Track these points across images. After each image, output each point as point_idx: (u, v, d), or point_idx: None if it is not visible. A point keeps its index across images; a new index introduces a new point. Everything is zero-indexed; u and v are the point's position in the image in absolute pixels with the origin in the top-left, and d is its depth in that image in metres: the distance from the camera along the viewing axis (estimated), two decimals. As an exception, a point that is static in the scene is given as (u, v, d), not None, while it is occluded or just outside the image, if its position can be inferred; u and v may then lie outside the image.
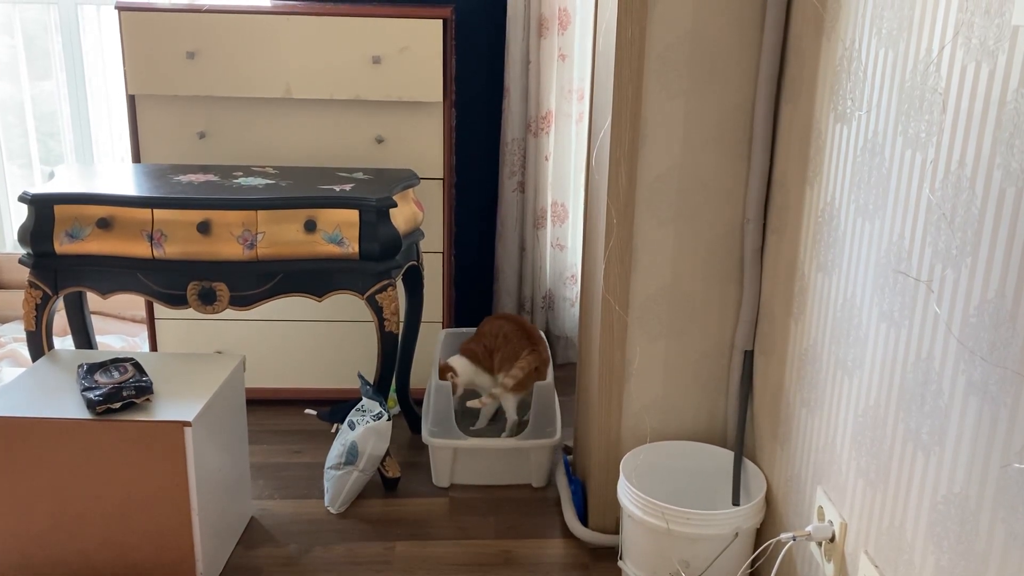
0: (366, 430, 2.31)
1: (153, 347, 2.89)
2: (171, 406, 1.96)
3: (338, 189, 2.33)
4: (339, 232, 2.26)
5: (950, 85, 1.23)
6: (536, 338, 2.59)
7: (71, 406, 1.95)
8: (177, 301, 2.29)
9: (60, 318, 3.11)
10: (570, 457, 2.56)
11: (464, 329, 2.86)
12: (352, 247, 2.27)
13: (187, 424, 1.90)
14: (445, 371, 2.54)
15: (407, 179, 2.48)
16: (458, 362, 2.58)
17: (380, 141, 2.75)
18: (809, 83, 1.75)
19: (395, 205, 2.30)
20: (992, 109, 1.13)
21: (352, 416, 2.38)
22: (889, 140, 1.42)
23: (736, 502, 2.02)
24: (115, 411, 1.92)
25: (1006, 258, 1.10)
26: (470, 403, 2.50)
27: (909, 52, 1.35)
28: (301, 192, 2.30)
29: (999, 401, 1.11)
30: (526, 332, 2.59)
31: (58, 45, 3.53)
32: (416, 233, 2.50)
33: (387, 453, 2.41)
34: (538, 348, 2.55)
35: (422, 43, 2.64)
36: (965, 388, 1.19)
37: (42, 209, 2.23)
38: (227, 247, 2.24)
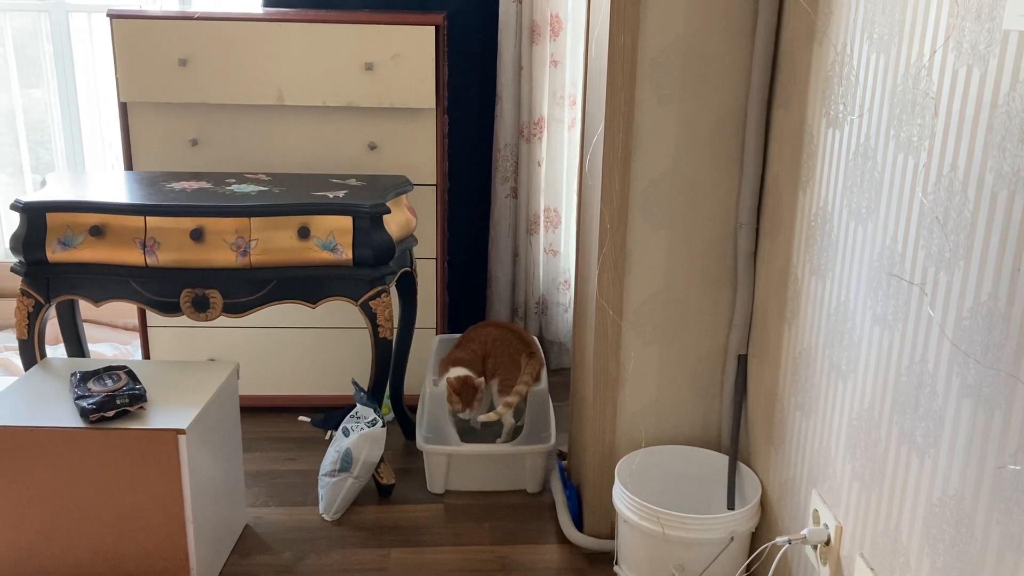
0: (360, 437, 2.30)
1: (146, 355, 2.88)
2: (165, 414, 1.95)
3: (331, 195, 2.33)
4: (333, 238, 2.26)
5: (942, 89, 1.24)
6: (529, 340, 2.59)
7: (64, 415, 1.94)
8: (170, 308, 2.29)
9: (52, 326, 3.10)
10: (565, 462, 2.56)
11: (458, 335, 2.86)
12: (346, 253, 2.27)
13: (181, 432, 1.89)
14: (465, 386, 2.48)
15: (400, 185, 2.48)
16: (465, 372, 2.54)
17: (373, 148, 2.75)
18: (801, 88, 1.76)
19: (388, 211, 2.30)
20: (984, 113, 1.14)
21: (346, 423, 2.38)
22: (881, 144, 1.43)
23: (731, 506, 2.02)
24: (109, 419, 1.91)
25: (999, 261, 1.11)
26: (483, 416, 2.48)
27: (901, 57, 1.36)
28: (294, 199, 2.29)
29: (993, 403, 1.12)
30: (518, 335, 2.59)
31: (49, 53, 3.52)
32: (409, 239, 2.51)
33: (381, 460, 2.40)
34: (535, 351, 2.55)
35: (414, 50, 2.64)
36: (959, 391, 1.20)
37: (34, 217, 2.22)
38: (220, 254, 2.24)
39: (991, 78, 1.12)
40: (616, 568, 2.05)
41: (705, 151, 1.99)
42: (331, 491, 2.34)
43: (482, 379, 2.51)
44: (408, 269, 2.58)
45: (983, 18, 1.14)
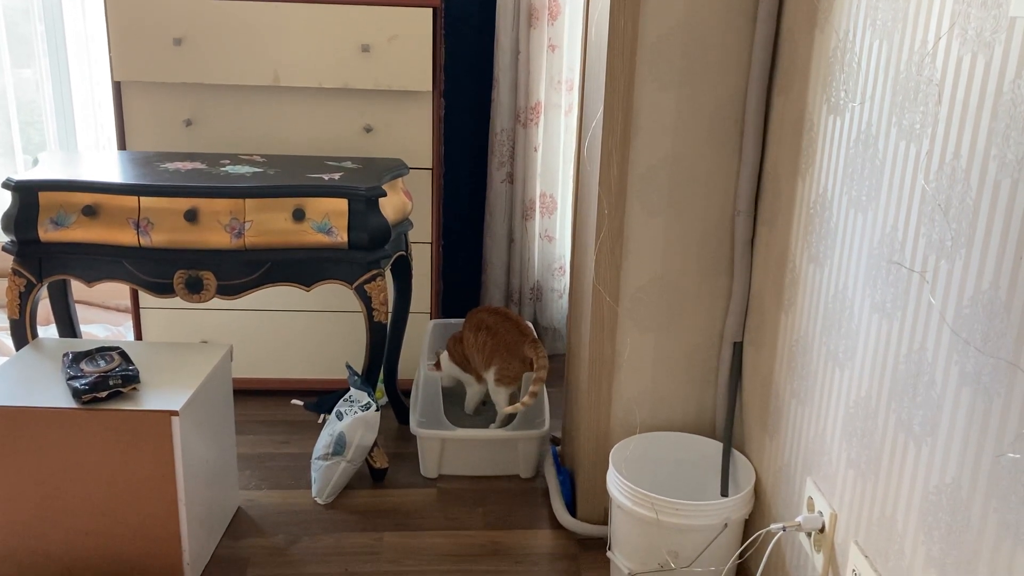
0: (354, 420, 2.30)
1: (138, 336, 2.87)
2: (158, 395, 1.94)
3: (327, 178, 2.31)
4: (328, 221, 2.25)
5: (945, 76, 1.23)
6: (527, 328, 2.58)
7: (57, 395, 1.93)
8: (164, 290, 2.27)
9: (43, 307, 3.08)
10: (558, 448, 2.56)
11: (452, 320, 2.85)
12: (341, 236, 2.25)
13: (174, 413, 1.88)
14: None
15: (396, 169, 2.46)
16: (443, 356, 2.59)
17: (369, 130, 2.73)
18: (802, 75, 1.75)
19: (384, 194, 2.29)
20: (988, 100, 1.13)
21: (340, 406, 2.37)
22: (883, 131, 1.42)
23: (725, 493, 2.02)
24: (101, 400, 1.90)
25: (1001, 249, 1.10)
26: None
27: (904, 43, 1.35)
28: (289, 181, 2.28)
29: (992, 392, 1.12)
30: (515, 324, 2.58)
31: (41, 32, 3.48)
32: (405, 223, 2.49)
33: (375, 444, 2.40)
34: (535, 339, 2.54)
35: (412, 32, 2.62)
36: (958, 379, 1.19)
37: (26, 196, 2.20)
38: (214, 235, 2.22)
39: (996, 65, 1.11)
40: (609, 553, 2.05)
41: (704, 137, 1.98)
42: (324, 475, 2.34)
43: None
44: (403, 253, 2.57)
45: (989, 5, 1.13)
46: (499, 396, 2.54)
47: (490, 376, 2.53)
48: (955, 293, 1.20)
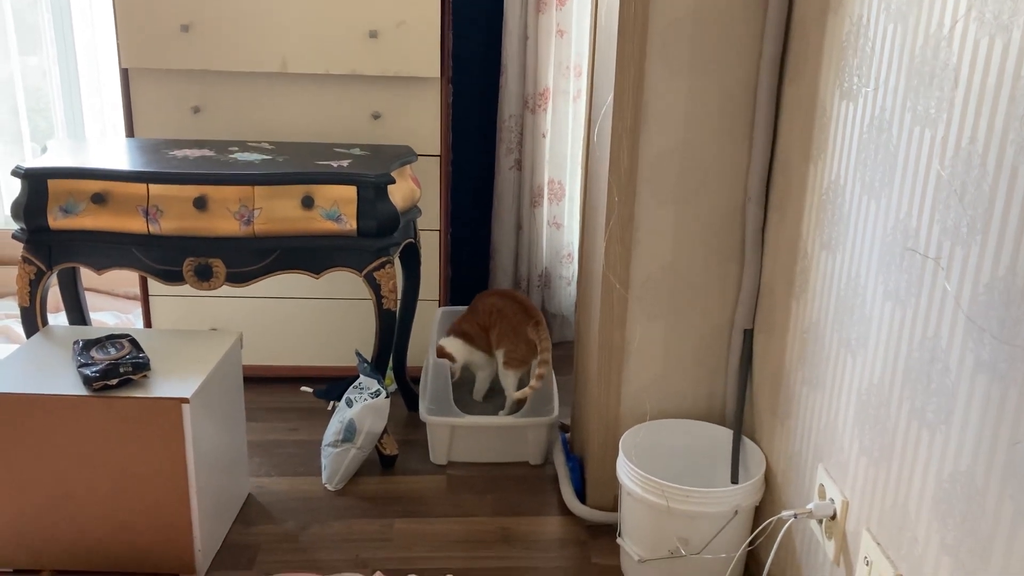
0: (364, 408, 2.30)
1: (147, 324, 2.87)
2: (169, 383, 1.94)
3: (335, 165, 2.31)
4: (337, 208, 2.24)
5: (962, 60, 1.22)
6: (532, 309, 2.57)
7: (67, 383, 1.93)
8: (173, 277, 2.27)
9: (52, 294, 3.08)
10: (568, 435, 2.56)
11: (461, 307, 2.85)
12: (350, 224, 2.25)
13: (185, 401, 1.88)
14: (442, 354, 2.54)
15: (405, 156, 2.46)
16: (452, 344, 2.58)
17: (377, 117, 2.72)
18: (814, 60, 1.74)
19: (393, 182, 2.28)
20: (1006, 84, 1.12)
21: (349, 394, 2.37)
22: (897, 117, 1.41)
23: (735, 480, 2.02)
24: (112, 388, 1.90)
25: (1018, 235, 1.09)
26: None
27: (919, 27, 1.34)
28: (298, 168, 2.27)
29: (1009, 379, 1.11)
30: (522, 306, 2.58)
31: (48, 20, 3.47)
32: (413, 210, 2.49)
33: (384, 431, 2.40)
34: (540, 320, 2.54)
35: (420, 18, 2.61)
36: (973, 366, 1.19)
37: (36, 184, 2.20)
38: (224, 223, 2.22)
39: (1015, 49, 1.10)
40: (619, 540, 2.05)
41: (715, 123, 1.97)
42: (334, 461, 2.34)
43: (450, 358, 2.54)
44: (412, 240, 2.56)
45: (1007, -12, 1.11)
46: (507, 380, 2.54)
47: (498, 359, 2.54)
48: (971, 280, 1.19)
